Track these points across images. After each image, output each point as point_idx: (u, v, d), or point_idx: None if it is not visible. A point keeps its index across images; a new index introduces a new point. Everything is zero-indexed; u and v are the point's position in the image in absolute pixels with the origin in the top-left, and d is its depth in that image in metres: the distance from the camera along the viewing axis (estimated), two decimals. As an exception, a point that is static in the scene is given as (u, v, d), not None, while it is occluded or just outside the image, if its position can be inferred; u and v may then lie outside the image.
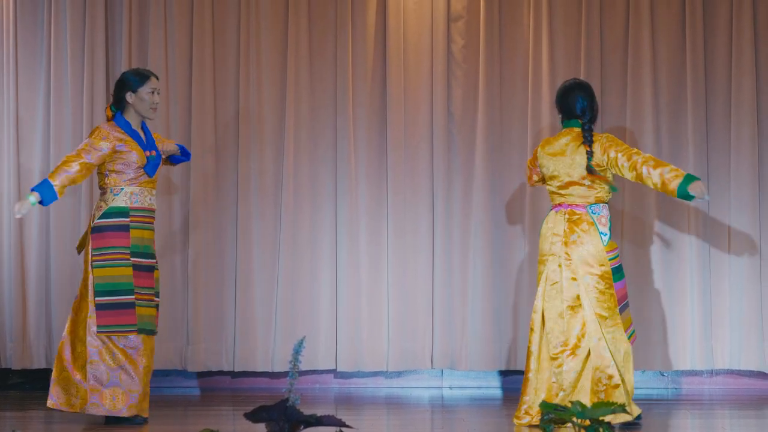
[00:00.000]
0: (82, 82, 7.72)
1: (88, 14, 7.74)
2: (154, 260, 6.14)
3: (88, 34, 7.73)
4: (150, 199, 6.13)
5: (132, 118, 6.14)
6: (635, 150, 5.94)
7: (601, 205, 6.01)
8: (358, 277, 7.71)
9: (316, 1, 7.82)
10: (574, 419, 3.98)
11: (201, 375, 7.79)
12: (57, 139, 7.70)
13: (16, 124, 7.72)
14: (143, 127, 6.20)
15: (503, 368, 7.70)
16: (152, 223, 6.16)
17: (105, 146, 6.02)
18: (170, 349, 7.64)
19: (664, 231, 7.63)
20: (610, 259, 5.95)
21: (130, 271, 6.02)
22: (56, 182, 5.94)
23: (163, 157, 6.29)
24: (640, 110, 7.60)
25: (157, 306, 6.14)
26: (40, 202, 5.94)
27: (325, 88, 7.80)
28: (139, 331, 5.99)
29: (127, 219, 6.05)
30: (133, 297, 6.00)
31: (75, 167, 5.97)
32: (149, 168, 6.09)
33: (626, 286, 6.07)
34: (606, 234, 5.97)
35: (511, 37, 7.78)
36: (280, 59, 7.80)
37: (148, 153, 6.10)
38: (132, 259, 6.03)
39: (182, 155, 6.41)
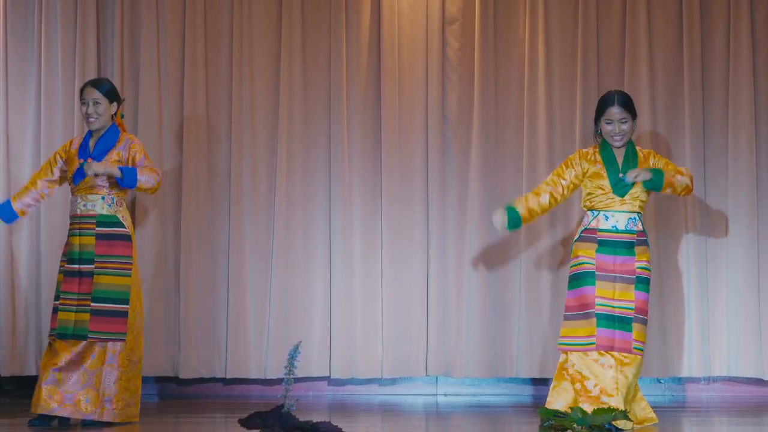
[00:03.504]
0: (74, 88, 7.65)
1: (79, 19, 7.69)
2: (92, 265, 6.14)
3: (79, 39, 7.67)
4: (86, 205, 6.17)
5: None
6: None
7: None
8: (352, 283, 7.66)
9: (310, 5, 7.77)
10: (575, 426, 3.92)
11: (193, 382, 7.73)
12: (48, 145, 7.63)
13: (6, 129, 7.66)
14: (105, 134, 6.23)
15: (498, 376, 7.65)
16: (92, 229, 6.15)
17: (60, 151, 6.36)
18: (162, 355, 7.58)
19: (661, 236, 7.59)
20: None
21: (61, 277, 6.22)
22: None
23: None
24: (637, 113, 7.54)
25: (92, 311, 6.10)
26: None
27: (318, 92, 7.76)
28: (58, 336, 6.12)
29: (69, 227, 6.26)
30: (57, 302, 6.17)
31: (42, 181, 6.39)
32: (74, 175, 6.21)
33: (575, 297, 6.13)
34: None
35: (506, 40, 7.74)
36: (273, 64, 7.75)
37: (80, 161, 6.21)
38: (66, 266, 6.21)
39: (124, 179, 6.13)
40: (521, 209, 6.25)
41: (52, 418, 6.10)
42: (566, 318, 6.13)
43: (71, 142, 6.34)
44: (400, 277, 7.68)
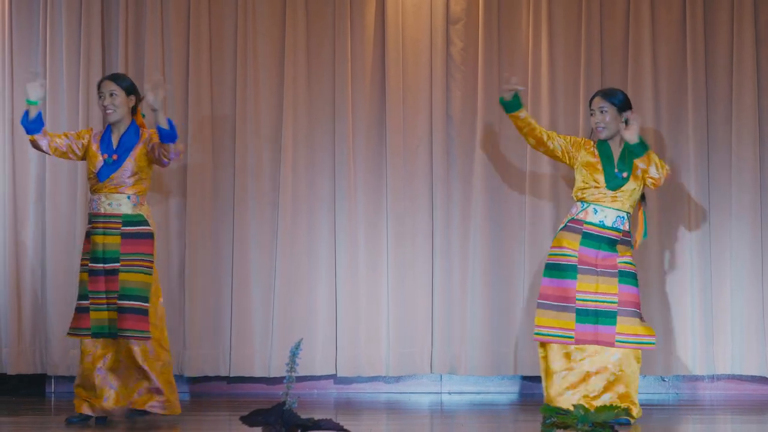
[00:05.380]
0: (78, 86, 7.66)
1: (84, 17, 7.69)
2: (118, 264, 6.11)
3: (84, 37, 7.67)
4: (111, 204, 6.15)
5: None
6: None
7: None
8: (357, 282, 7.66)
9: (314, 5, 7.78)
10: (577, 423, 3.93)
11: (197, 380, 7.74)
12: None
13: (11, 127, 7.67)
14: (128, 131, 6.20)
15: (502, 373, 7.65)
16: (118, 228, 6.13)
17: (75, 136, 6.25)
18: (166, 354, 7.59)
19: (664, 234, 7.59)
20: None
21: (85, 276, 6.16)
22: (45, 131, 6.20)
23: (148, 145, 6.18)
24: (641, 113, 7.53)
25: (119, 308, 6.09)
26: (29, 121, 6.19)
27: (322, 91, 7.76)
28: (93, 335, 6.11)
29: (90, 225, 6.20)
30: (87, 302, 6.12)
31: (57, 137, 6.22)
32: (100, 172, 6.14)
33: (554, 286, 6.09)
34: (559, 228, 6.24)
35: (510, 40, 7.74)
36: (278, 64, 7.75)
37: (103, 156, 6.14)
38: (90, 264, 6.16)
39: (164, 134, 6.13)
40: (525, 110, 6.32)
41: (88, 417, 6.12)
42: (541, 306, 6.09)
43: (88, 134, 6.23)
44: (405, 276, 7.67)
